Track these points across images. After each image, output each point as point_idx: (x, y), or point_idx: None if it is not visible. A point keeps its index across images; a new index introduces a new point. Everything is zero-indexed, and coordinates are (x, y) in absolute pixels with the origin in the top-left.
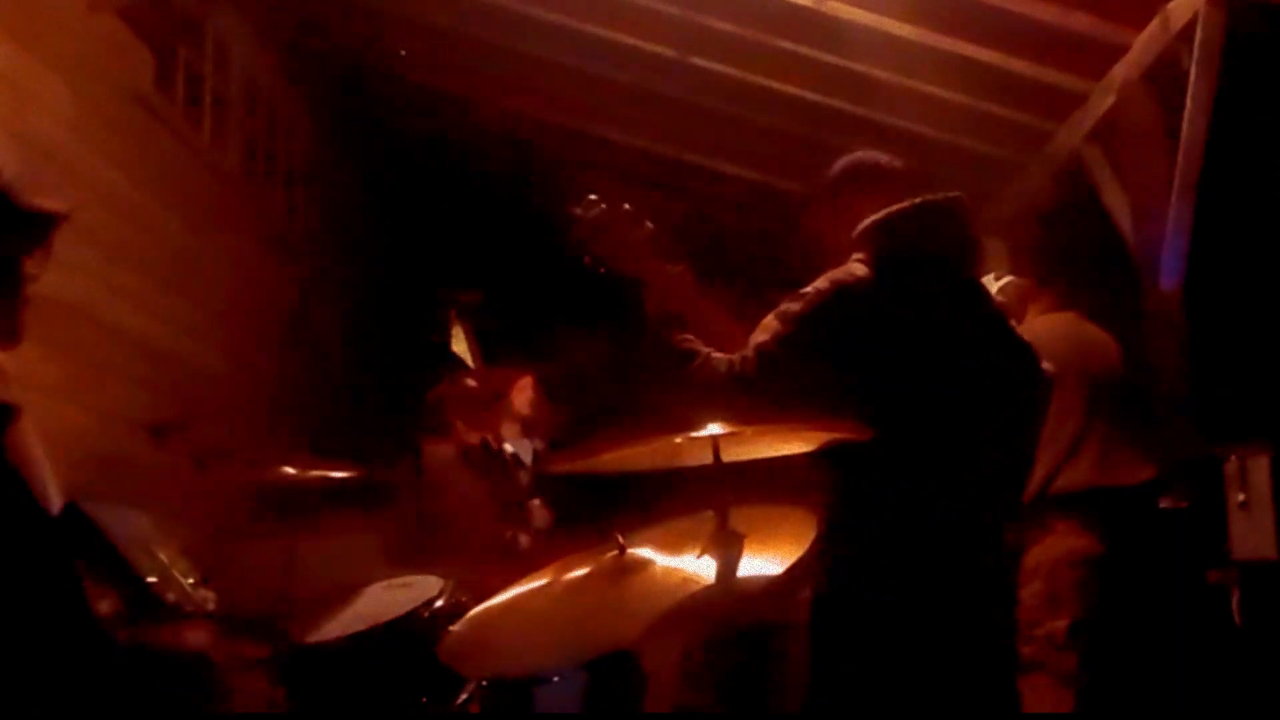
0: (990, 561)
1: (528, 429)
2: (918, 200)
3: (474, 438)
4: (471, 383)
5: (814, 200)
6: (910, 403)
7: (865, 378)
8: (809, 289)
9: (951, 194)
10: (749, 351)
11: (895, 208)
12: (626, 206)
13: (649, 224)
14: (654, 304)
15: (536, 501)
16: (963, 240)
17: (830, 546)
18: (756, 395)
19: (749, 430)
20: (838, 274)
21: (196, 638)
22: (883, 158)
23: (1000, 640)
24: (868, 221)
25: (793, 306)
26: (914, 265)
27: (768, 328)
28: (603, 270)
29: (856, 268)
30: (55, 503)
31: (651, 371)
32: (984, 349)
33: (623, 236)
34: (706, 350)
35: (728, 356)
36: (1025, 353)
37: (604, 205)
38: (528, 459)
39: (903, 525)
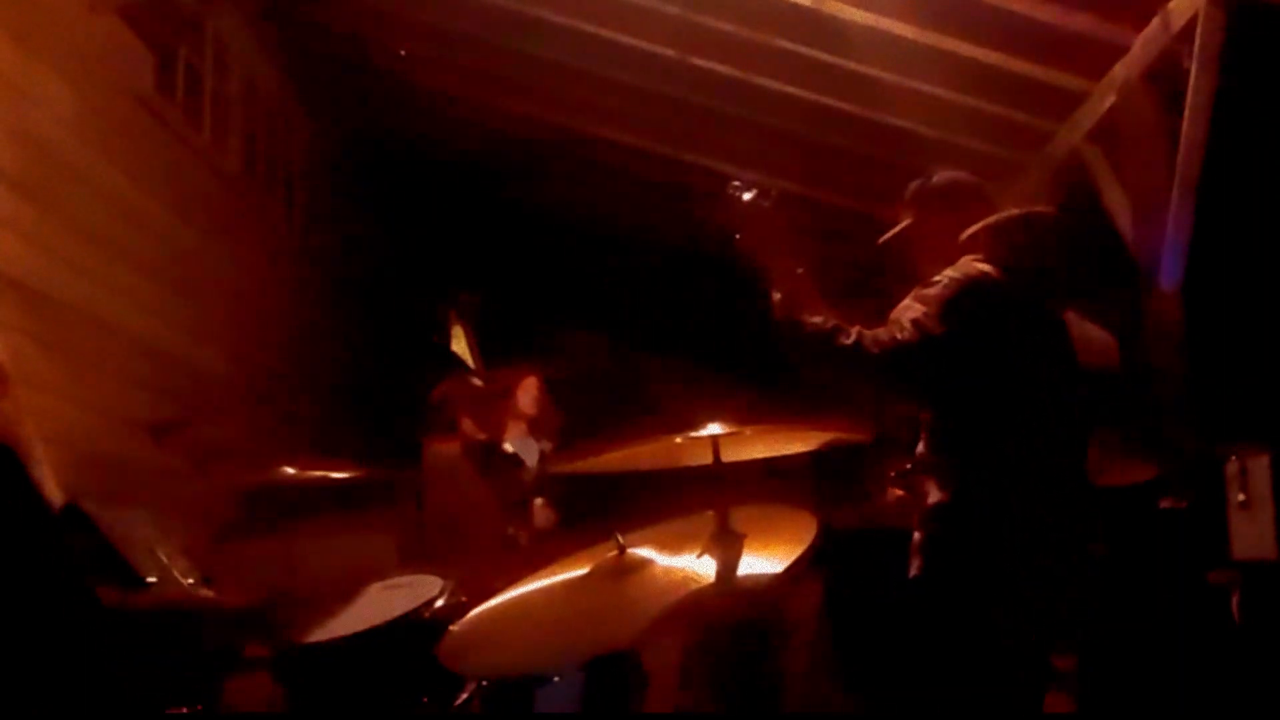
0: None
1: (533, 429)
2: (1027, 211)
3: (480, 436)
4: (477, 382)
5: (911, 212)
6: (1016, 377)
7: (987, 355)
8: (941, 278)
9: (1047, 209)
10: (905, 325)
11: (1007, 215)
12: (774, 196)
13: (789, 218)
14: (781, 295)
15: (540, 501)
16: (1056, 245)
17: (948, 484)
18: (915, 364)
19: (749, 430)
20: (965, 269)
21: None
22: (969, 178)
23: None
24: (981, 226)
25: (930, 291)
26: (1028, 264)
27: (913, 309)
28: (736, 254)
29: (980, 265)
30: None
31: (793, 354)
32: (1058, 333)
33: (768, 225)
34: (854, 326)
35: (884, 329)
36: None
37: (756, 191)
38: (533, 459)
39: (1012, 468)
